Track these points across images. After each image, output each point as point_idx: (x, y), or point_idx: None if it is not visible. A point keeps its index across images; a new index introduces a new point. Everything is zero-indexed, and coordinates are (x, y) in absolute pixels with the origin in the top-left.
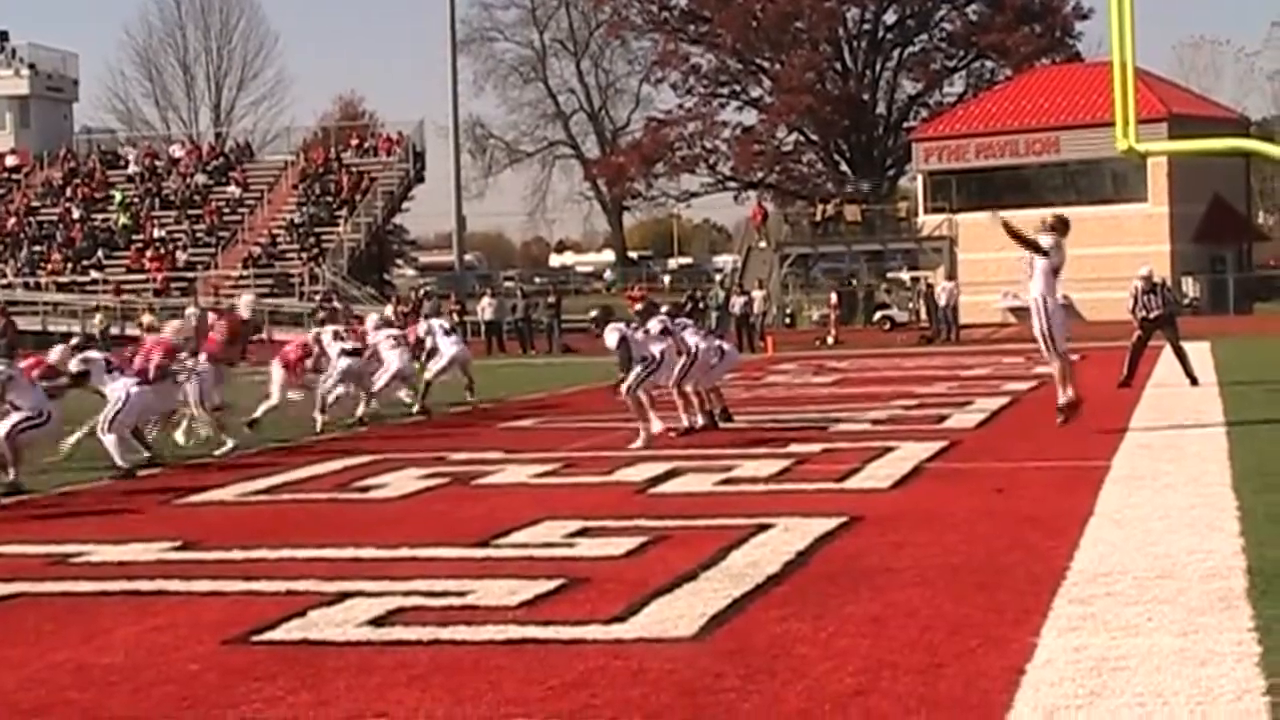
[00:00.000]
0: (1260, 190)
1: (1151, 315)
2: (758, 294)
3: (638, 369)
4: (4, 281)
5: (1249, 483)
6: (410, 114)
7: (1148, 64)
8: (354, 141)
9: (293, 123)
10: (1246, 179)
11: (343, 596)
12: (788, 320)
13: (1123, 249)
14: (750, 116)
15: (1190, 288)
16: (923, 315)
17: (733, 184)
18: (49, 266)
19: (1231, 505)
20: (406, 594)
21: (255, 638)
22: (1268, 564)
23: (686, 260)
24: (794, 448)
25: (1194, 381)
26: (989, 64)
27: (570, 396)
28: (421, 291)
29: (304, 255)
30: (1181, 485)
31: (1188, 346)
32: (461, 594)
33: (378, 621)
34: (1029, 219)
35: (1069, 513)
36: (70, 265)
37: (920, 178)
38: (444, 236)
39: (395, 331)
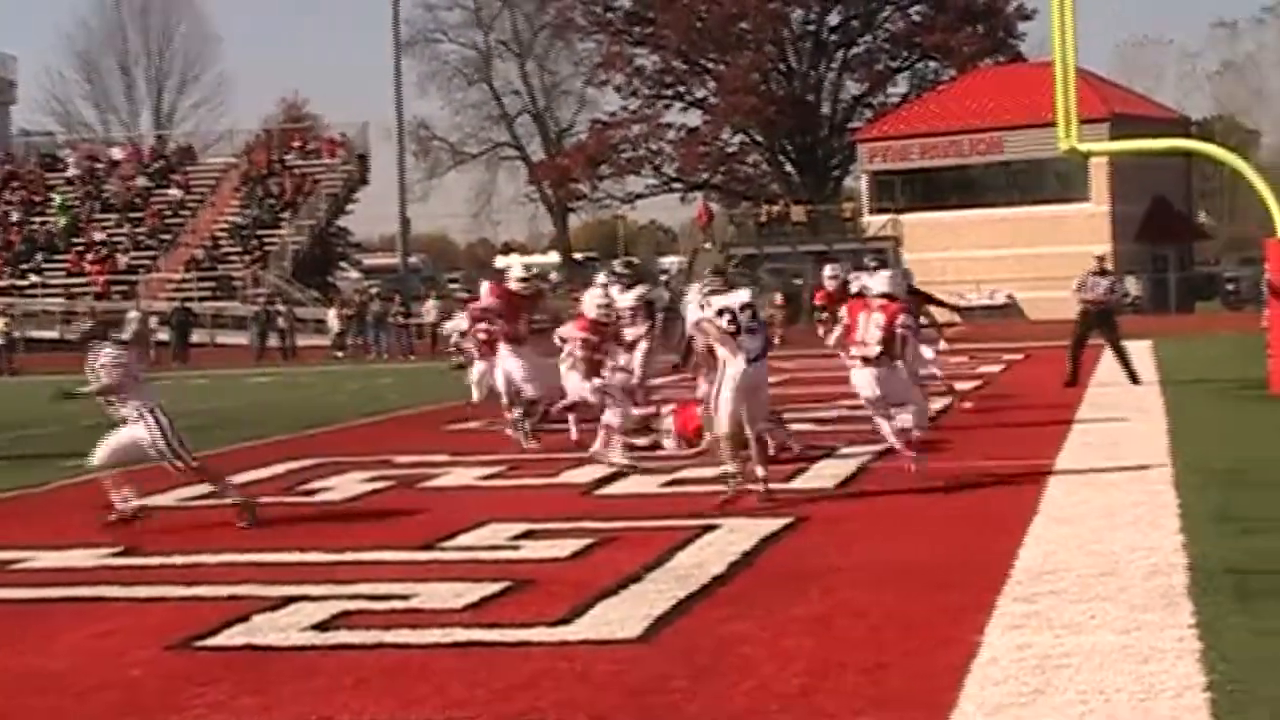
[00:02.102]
0: (1201, 190)
1: (1095, 297)
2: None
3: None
4: None
5: (1190, 480)
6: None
7: (1090, 64)
8: (297, 144)
9: (235, 125)
10: (1188, 179)
11: (287, 601)
12: None
13: (1065, 248)
14: (695, 118)
15: (1132, 287)
16: None
17: (678, 185)
18: None
19: (1173, 503)
20: (351, 598)
21: (198, 643)
22: (1209, 561)
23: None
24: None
25: (1135, 380)
26: (932, 65)
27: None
28: (367, 294)
29: (247, 258)
30: (1124, 483)
31: (1130, 345)
32: (406, 597)
33: (322, 625)
34: (973, 218)
35: (1013, 511)
36: (9, 269)
37: (865, 178)
38: (388, 239)
39: None
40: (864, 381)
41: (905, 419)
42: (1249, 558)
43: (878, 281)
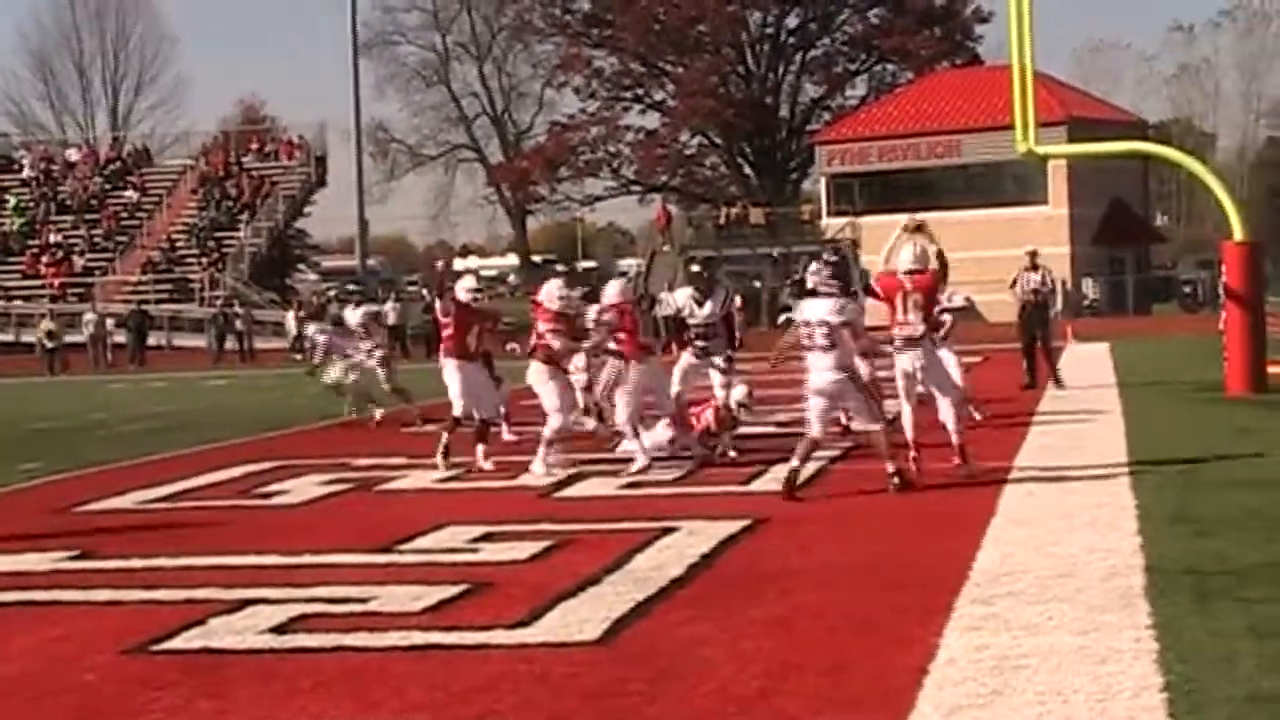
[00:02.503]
0: (1158, 193)
1: (1030, 291)
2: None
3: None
4: None
5: (1148, 482)
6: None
7: (1047, 67)
8: (255, 145)
9: (192, 127)
10: (1145, 181)
11: (244, 604)
12: None
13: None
14: (653, 120)
15: (1090, 289)
16: None
17: (636, 187)
18: None
19: (1131, 505)
20: (309, 601)
21: (155, 647)
22: (1166, 562)
23: (591, 264)
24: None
25: (1059, 383)
26: (890, 67)
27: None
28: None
29: (204, 260)
30: (1082, 485)
31: (1087, 347)
32: (365, 600)
33: (280, 629)
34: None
35: (972, 513)
36: None
37: (823, 181)
38: (347, 241)
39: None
40: (906, 362)
41: (946, 413)
42: (1206, 559)
43: (905, 257)
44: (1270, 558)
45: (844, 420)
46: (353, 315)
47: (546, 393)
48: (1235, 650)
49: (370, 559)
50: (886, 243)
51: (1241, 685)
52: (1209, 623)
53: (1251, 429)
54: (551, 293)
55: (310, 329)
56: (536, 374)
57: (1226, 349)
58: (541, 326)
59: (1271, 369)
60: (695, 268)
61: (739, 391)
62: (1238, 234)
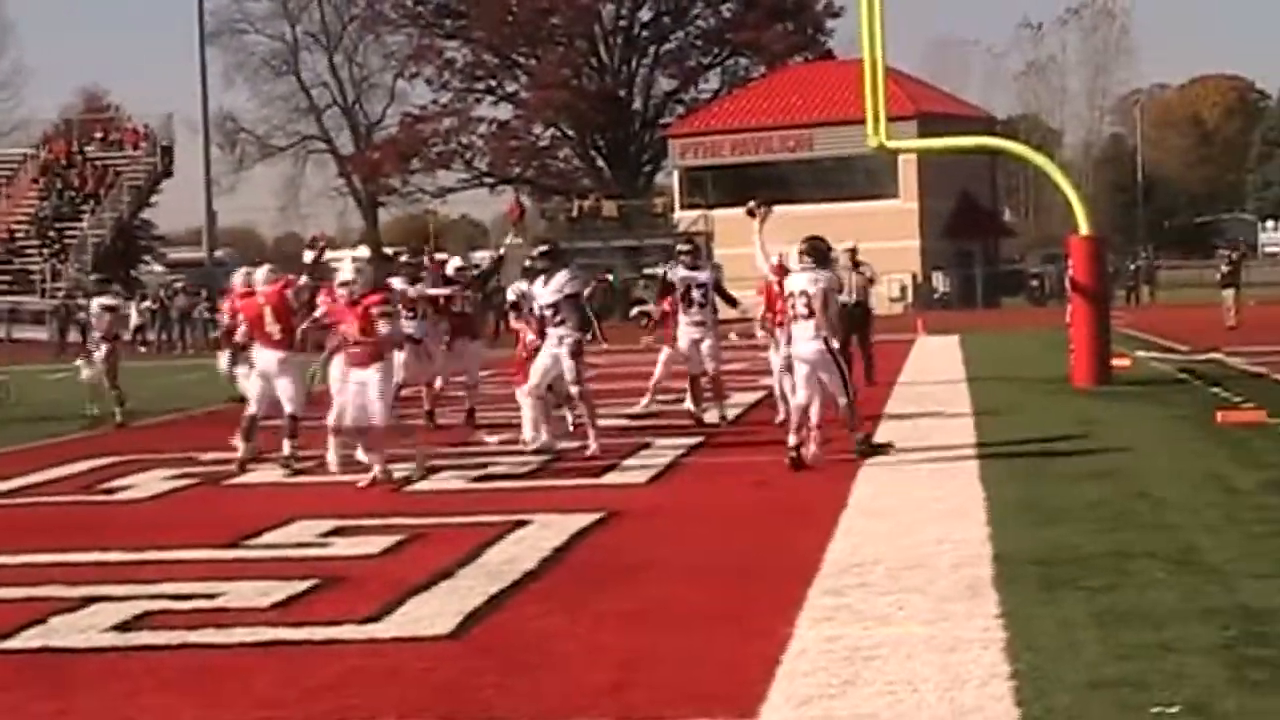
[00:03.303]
0: (1006, 187)
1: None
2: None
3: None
4: None
5: (996, 474)
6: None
7: (898, 62)
8: (98, 134)
9: (32, 115)
10: (993, 176)
11: (87, 601)
12: None
13: (875, 244)
14: (506, 112)
15: (940, 282)
16: None
17: (489, 179)
18: None
19: (979, 495)
20: (154, 597)
21: None
22: (1013, 552)
23: (442, 256)
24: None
25: (871, 381)
26: (743, 61)
27: (324, 393)
28: (171, 288)
29: (45, 251)
30: (932, 476)
31: (938, 340)
32: (211, 596)
33: (124, 626)
34: (784, 214)
35: (823, 505)
36: None
37: (676, 174)
38: (194, 232)
39: None
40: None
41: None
42: (1051, 548)
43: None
44: (1112, 547)
45: (695, 411)
46: (93, 305)
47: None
48: (1079, 638)
49: (218, 554)
50: (758, 242)
51: (1085, 672)
52: (1054, 611)
53: (1096, 420)
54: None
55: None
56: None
57: (1072, 341)
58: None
59: (1115, 361)
60: (533, 255)
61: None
62: (1083, 228)
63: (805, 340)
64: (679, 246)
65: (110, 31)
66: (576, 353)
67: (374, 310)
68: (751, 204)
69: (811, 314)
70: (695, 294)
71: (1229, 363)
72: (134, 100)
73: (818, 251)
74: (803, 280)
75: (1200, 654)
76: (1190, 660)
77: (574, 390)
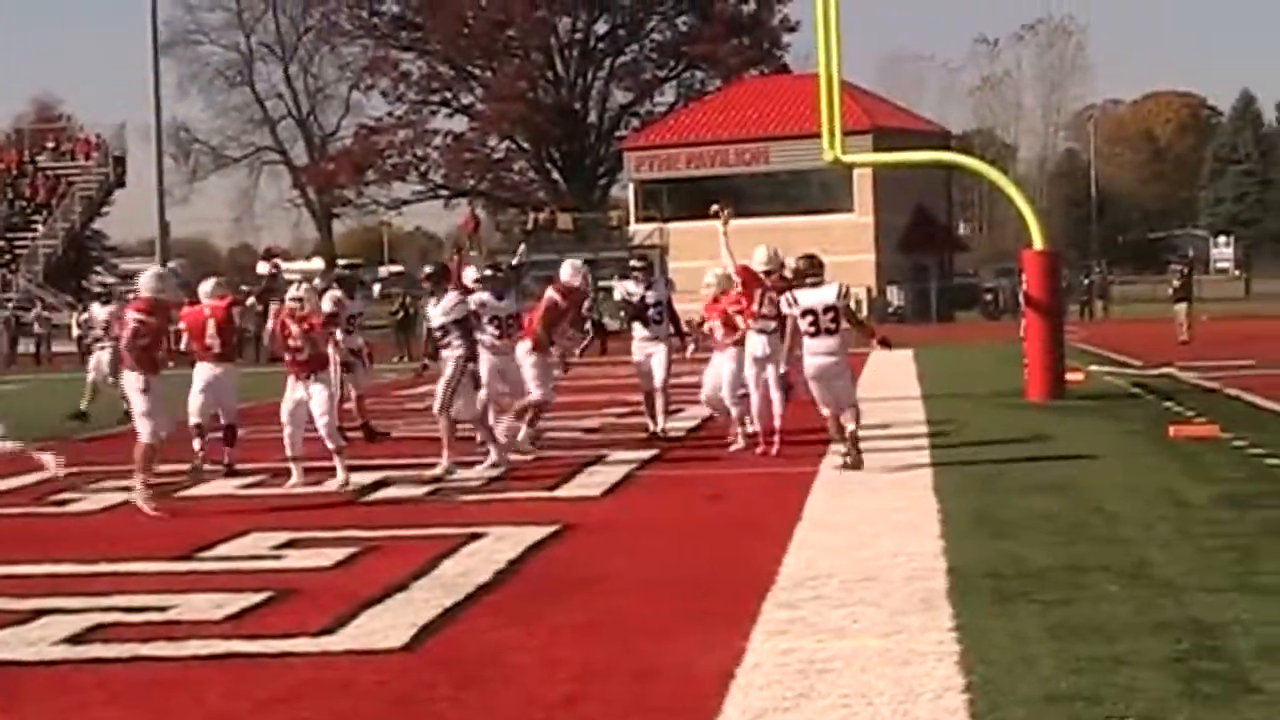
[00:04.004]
0: (961, 201)
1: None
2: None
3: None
4: None
5: (950, 486)
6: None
7: (853, 77)
8: (50, 144)
9: None
10: (948, 191)
11: (37, 614)
12: None
13: (830, 258)
14: (462, 124)
15: (895, 296)
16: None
17: (444, 192)
18: None
19: (934, 508)
20: (106, 610)
21: None
22: (967, 565)
23: (398, 268)
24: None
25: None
26: (699, 75)
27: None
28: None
29: None
30: (886, 489)
31: (894, 354)
32: (164, 609)
33: (75, 639)
34: (739, 228)
35: (778, 518)
36: None
37: (632, 187)
38: (146, 242)
39: None
40: (758, 347)
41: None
42: (1005, 562)
43: (760, 257)
44: (1066, 560)
45: (652, 427)
46: (100, 311)
47: (529, 371)
48: (1033, 651)
49: (170, 567)
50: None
51: (1039, 685)
52: (1008, 625)
53: (1050, 435)
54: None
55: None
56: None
57: (1026, 356)
58: (546, 302)
59: (1069, 376)
60: (489, 270)
61: (534, 395)
62: (1037, 243)
63: (824, 355)
64: (632, 263)
65: (63, 41)
66: (460, 371)
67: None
68: (715, 207)
69: (819, 331)
70: (650, 311)
71: (1182, 377)
72: (86, 110)
73: (819, 267)
74: (827, 294)
75: (1152, 667)
76: (1143, 674)
77: (435, 402)
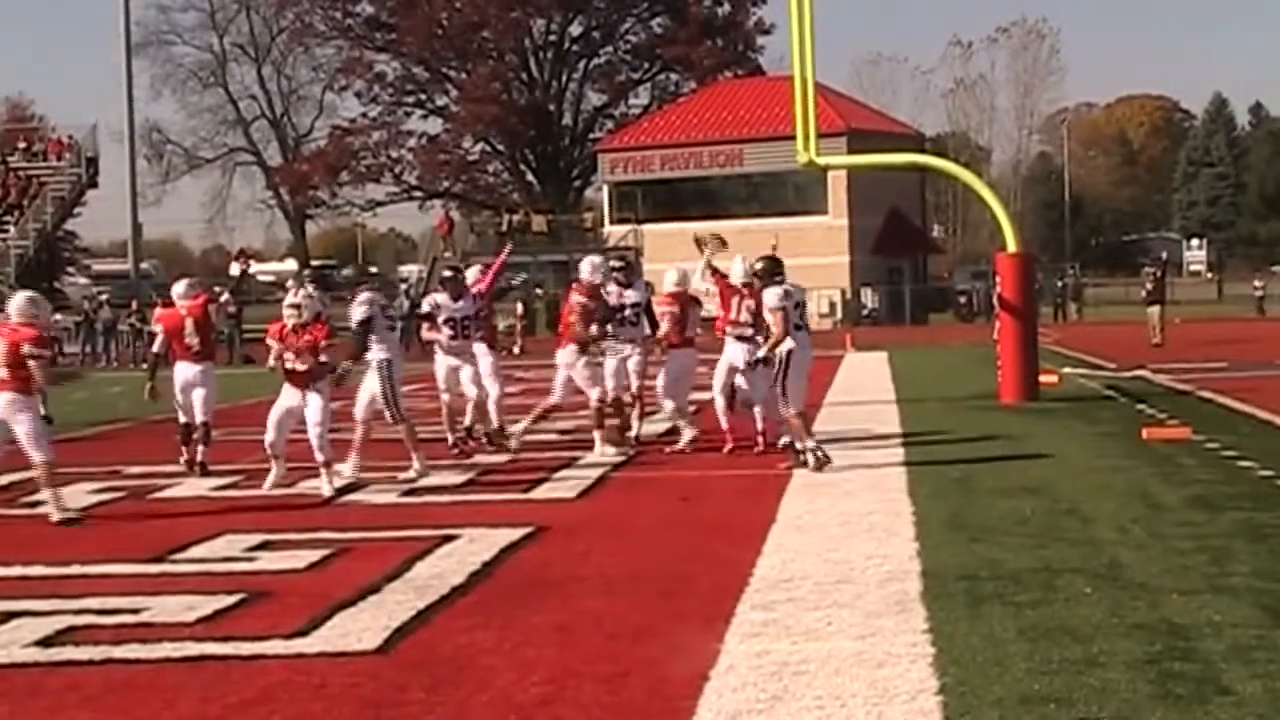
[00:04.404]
0: (934, 204)
1: None
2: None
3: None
4: None
5: (924, 489)
6: (83, 117)
7: (827, 79)
8: (22, 144)
9: None
10: (922, 193)
11: (8, 617)
12: None
13: (804, 260)
14: (436, 126)
15: (869, 298)
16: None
17: (418, 193)
18: None
19: (908, 511)
20: (78, 613)
21: None
22: (941, 568)
23: (372, 270)
24: (479, 458)
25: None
26: (673, 77)
27: (252, 408)
28: (96, 300)
29: None
30: (860, 492)
31: (866, 356)
32: (136, 611)
33: (46, 642)
34: (714, 230)
35: (753, 520)
36: None
37: (606, 188)
38: (119, 244)
39: None
40: (735, 354)
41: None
42: (979, 564)
43: (738, 270)
44: (1039, 563)
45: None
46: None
47: (579, 375)
48: (1007, 653)
49: (143, 569)
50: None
51: (1013, 687)
52: (982, 627)
53: (1023, 437)
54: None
55: None
56: (567, 357)
57: (1000, 358)
58: (575, 305)
59: (1043, 378)
60: (447, 271)
61: (493, 391)
62: (1011, 245)
63: (805, 347)
64: (612, 263)
65: (35, 41)
66: (387, 376)
67: (320, 341)
68: (699, 238)
69: (801, 326)
70: (627, 312)
71: (1154, 380)
72: (59, 110)
73: (781, 265)
74: (778, 294)
75: (1125, 669)
76: (1115, 675)
77: (387, 414)
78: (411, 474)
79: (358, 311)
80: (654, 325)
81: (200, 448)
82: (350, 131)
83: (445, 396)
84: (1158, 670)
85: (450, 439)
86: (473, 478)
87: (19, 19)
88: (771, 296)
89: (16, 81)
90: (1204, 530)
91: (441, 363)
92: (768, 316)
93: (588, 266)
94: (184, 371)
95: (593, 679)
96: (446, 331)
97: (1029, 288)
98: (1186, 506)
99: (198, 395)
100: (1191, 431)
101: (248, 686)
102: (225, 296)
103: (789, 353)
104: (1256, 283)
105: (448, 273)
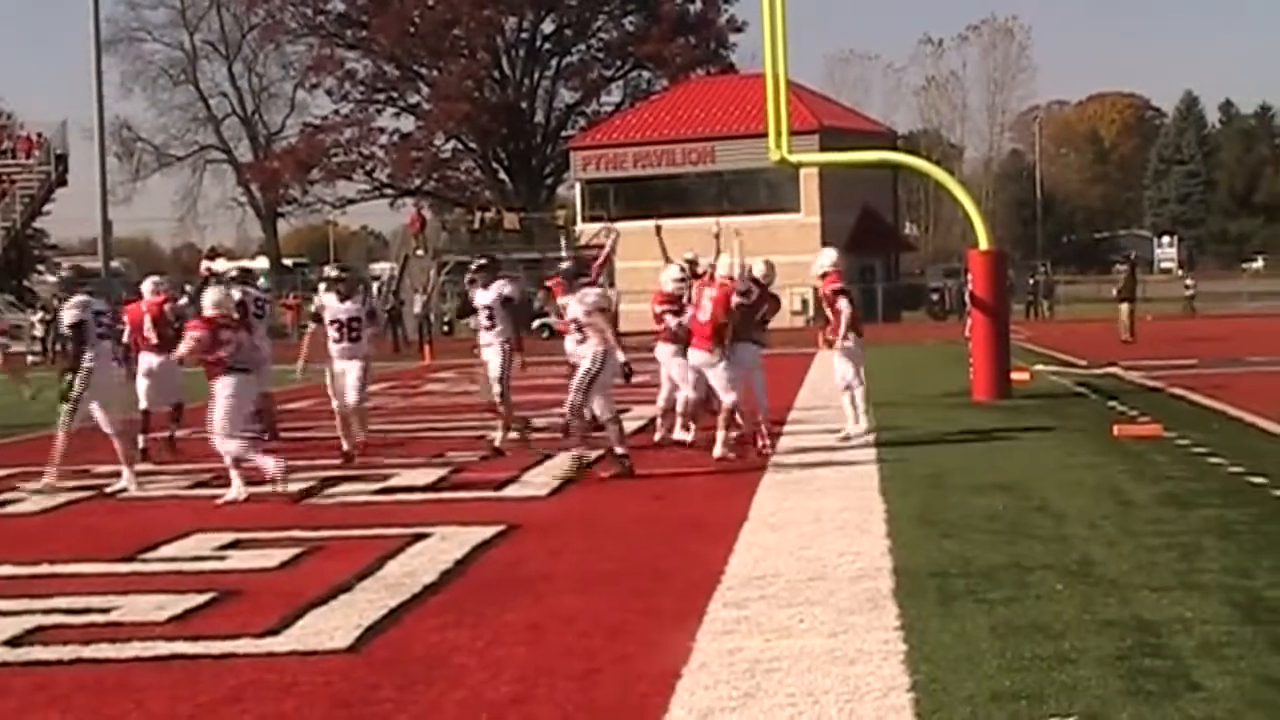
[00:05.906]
0: (907, 201)
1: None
2: (419, 298)
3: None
4: None
5: (895, 486)
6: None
7: (800, 77)
8: None
9: None
10: (894, 190)
11: None
12: (445, 328)
13: (777, 258)
14: (408, 123)
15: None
16: None
17: (390, 191)
18: None
19: (880, 508)
20: (47, 612)
21: None
22: (913, 565)
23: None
24: (451, 456)
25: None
26: (645, 74)
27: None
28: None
29: None
30: (832, 489)
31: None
32: (106, 610)
33: (15, 641)
34: (686, 228)
35: (725, 518)
36: None
37: (578, 186)
38: (89, 242)
39: None
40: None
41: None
42: (950, 561)
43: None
44: (1010, 559)
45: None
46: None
47: (676, 371)
48: (978, 650)
49: (112, 568)
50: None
51: (984, 684)
52: (953, 624)
53: (995, 434)
54: (667, 276)
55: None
56: (663, 354)
57: (972, 355)
58: (658, 309)
59: (1015, 375)
60: (334, 271)
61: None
62: (983, 243)
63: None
64: (478, 262)
65: (4, 38)
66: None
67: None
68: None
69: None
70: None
71: (1126, 377)
72: (28, 108)
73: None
74: (595, 296)
75: (1096, 665)
76: (1086, 672)
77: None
78: (40, 485)
79: (68, 315)
80: (517, 326)
81: (173, 425)
82: (321, 129)
83: (335, 403)
84: (1128, 666)
85: (345, 445)
86: (445, 475)
87: None
88: (590, 299)
89: None
90: (1174, 527)
91: (335, 365)
92: (581, 318)
93: (674, 273)
94: (146, 361)
95: (565, 677)
96: (333, 334)
97: (1001, 285)
98: (1157, 503)
99: (163, 383)
100: (1162, 428)
101: (218, 685)
102: (183, 300)
103: (604, 353)
104: (1187, 282)
105: (333, 273)
